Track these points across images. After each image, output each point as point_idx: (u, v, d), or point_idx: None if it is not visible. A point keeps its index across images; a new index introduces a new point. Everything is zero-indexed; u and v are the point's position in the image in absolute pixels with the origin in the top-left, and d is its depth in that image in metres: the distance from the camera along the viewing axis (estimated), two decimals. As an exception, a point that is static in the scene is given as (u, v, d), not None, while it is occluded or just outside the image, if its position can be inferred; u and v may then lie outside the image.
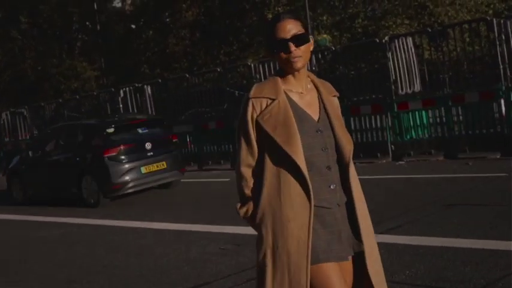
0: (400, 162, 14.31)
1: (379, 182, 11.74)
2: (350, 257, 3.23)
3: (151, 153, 13.70)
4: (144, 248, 9.12)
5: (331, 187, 3.17)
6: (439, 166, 13.00)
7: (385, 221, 8.40)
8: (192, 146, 20.02)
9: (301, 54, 3.19)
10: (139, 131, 14.01)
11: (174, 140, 14.68)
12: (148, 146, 13.67)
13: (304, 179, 3.08)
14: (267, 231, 3.17)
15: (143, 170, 13.50)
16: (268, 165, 3.18)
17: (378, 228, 8.04)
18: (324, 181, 3.16)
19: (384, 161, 14.68)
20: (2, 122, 28.13)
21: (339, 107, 3.42)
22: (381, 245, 7.37)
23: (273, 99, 3.20)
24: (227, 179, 15.44)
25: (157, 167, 13.73)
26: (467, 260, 6.38)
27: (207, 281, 6.95)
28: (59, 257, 9.33)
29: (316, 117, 3.25)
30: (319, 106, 3.29)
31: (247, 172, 3.32)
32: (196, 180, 16.41)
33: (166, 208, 12.32)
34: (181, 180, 15.11)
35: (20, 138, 27.19)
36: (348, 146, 3.24)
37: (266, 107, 3.20)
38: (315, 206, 3.10)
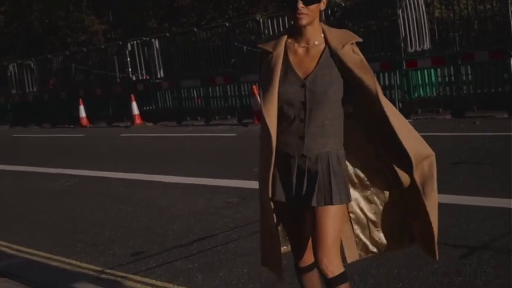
0: (408, 120, 14.27)
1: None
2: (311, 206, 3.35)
3: None
4: (151, 201, 9.18)
5: (300, 138, 3.35)
6: (447, 124, 12.98)
7: (391, 178, 8.41)
8: (199, 100, 20.01)
9: (308, 13, 3.30)
10: None
11: None
12: None
13: (268, 130, 3.32)
14: (260, 161, 3.49)
15: None
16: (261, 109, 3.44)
17: (384, 185, 8.07)
18: (294, 132, 3.35)
19: (391, 118, 14.61)
20: (9, 74, 28.12)
21: (354, 55, 3.38)
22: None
23: (270, 52, 3.40)
24: (234, 134, 15.49)
25: None
26: (471, 217, 6.41)
27: (213, 233, 7.01)
28: (65, 209, 9.40)
29: (306, 72, 3.35)
30: (318, 61, 3.36)
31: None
32: (203, 134, 16.44)
33: (173, 162, 12.36)
34: (188, 134, 15.32)
35: (27, 91, 27.20)
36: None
37: (264, 59, 3.43)
38: (282, 151, 3.36)
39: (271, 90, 3.32)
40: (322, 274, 3.35)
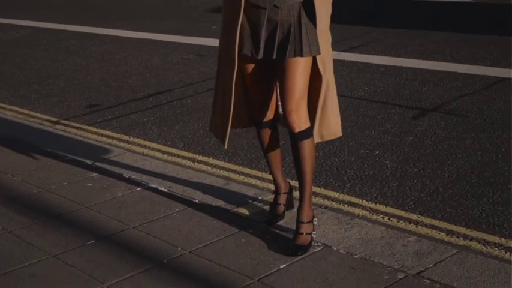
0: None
1: (344, 2, 11.64)
2: (272, 57, 3.29)
3: None
4: (105, 54, 9.06)
5: None
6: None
7: (348, 40, 8.44)
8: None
9: None
10: None
11: None
12: None
13: None
14: (222, 18, 3.46)
15: None
16: None
17: (341, 46, 8.10)
18: None
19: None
20: None
21: None
22: (342, 63, 7.51)
23: None
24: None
25: None
26: (425, 80, 6.52)
27: (168, 89, 7.00)
28: (18, 59, 9.23)
29: None
30: None
31: None
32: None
33: (128, 16, 12.12)
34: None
35: None
36: None
37: None
38: (251, 2, 3.26)
39: None
40: (289, 128, 3.32)
